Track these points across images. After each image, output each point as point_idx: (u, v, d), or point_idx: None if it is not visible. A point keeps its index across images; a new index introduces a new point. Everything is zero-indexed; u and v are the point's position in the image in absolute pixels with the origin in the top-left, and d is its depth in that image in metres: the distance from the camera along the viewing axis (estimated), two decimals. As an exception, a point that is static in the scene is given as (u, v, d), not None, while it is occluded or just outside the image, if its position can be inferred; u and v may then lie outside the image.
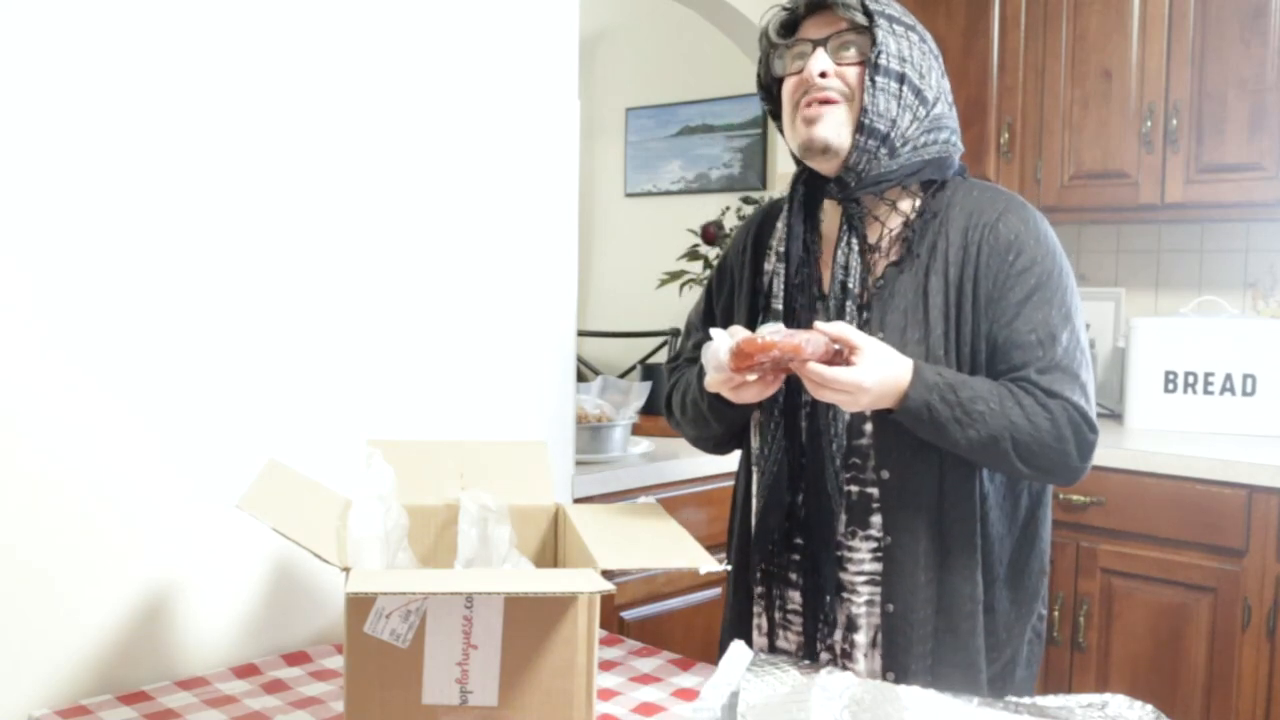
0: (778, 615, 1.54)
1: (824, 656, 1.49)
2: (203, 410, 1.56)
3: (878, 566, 1.45)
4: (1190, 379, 2.92)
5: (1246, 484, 2.50)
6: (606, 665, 1.56)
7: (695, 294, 3.30)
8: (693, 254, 3.28)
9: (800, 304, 1.48)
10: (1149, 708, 1.17)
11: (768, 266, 1.55)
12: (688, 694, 1.46)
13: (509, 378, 1.93)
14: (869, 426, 1.44)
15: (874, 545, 1.45)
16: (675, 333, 3.67)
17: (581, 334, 3.57)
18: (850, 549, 1.46)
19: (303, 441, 1.63)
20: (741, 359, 1.31)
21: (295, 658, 1.59)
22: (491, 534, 1.37)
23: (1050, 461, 1.39)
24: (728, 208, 3.56)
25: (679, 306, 3.70)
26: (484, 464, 1.47)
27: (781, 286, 1.49)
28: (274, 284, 1.62)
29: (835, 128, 1.43)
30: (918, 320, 1.43)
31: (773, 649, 1.54)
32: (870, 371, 1.33)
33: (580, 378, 2.55)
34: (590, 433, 2.47)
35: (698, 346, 1.63)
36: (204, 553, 1.57)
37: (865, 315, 1.44)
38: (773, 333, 1.32)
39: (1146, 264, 3.32)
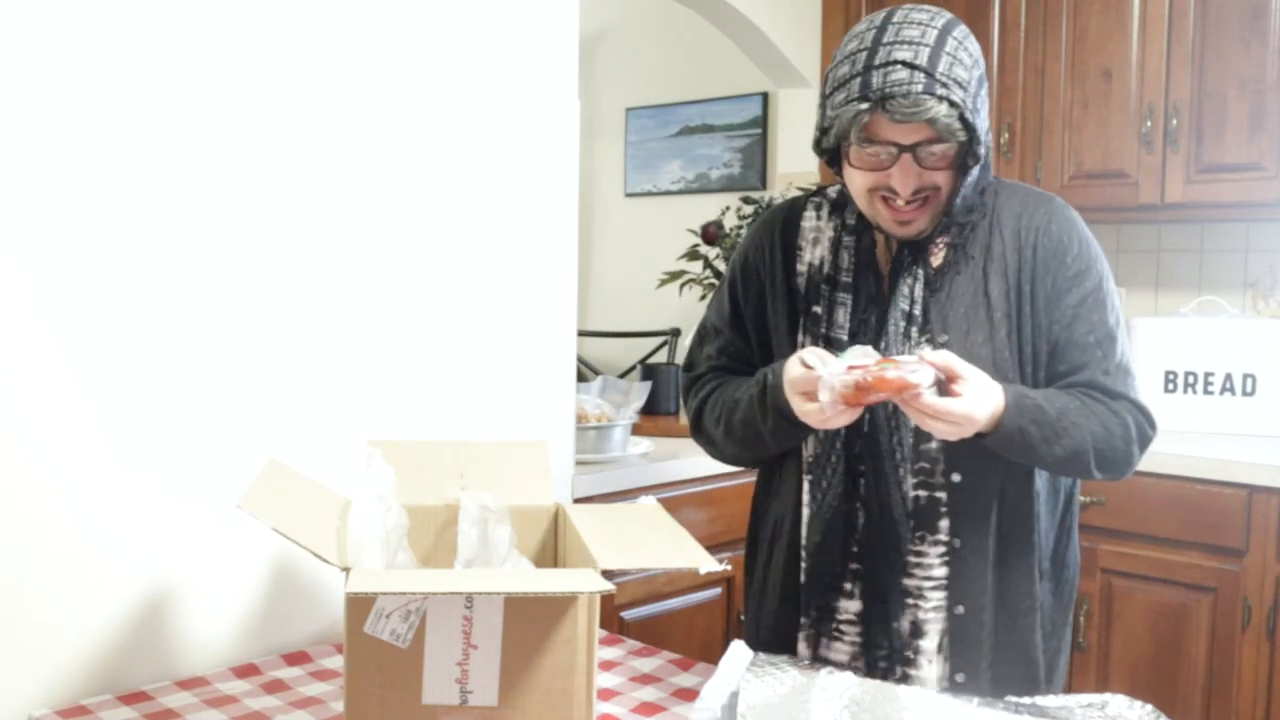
0: (830, 626, 1.49)
1: (882, 665, 1.46)
2: (203, 410, 1.56)
3: (946, 571, 1.43)
4: (1190, 379, 2.92)
5: (1246, 484, 2.50)
6: (606, 665, 1.56)
7: (695, 294, 3.29)
8: (693, 254, 3.28)
9: (864, 335, 1.46)
10: (1149, 708, 1.18)
11: (800, 268, 1.53)
12: (688, 694, 1.46)
13: (509, 378, 1.93)
14: None
15: (942, 550, 1.43)
16: (675, 333, 3.67)
17: (581, 334, 3.57)
18: (919, 554, 1.44)
19: (303, 441, 1.63)
20: (861, 394, 1.28)
21: (295, 658, 1.59)
22: (491, 534, 1.37)
23: (1118, 463, 1.43)
24: (728, 208, 3.56)
25: (679, 306, 3.71)
26: (484, 464, 1.47)
27: (847, 317, 1.47)
28: (274, 284, 1.62)
29: (926, 223, 1.42)
30: (980, 322, 1.43)
31: (819, 658, 1.49)
32: (980, 402, 1.32)
33: (580, 378, 2.55)
34: (590, 433, 2.47)
35: (723, 352, 1.60)
36: (204, 553, 1.57)
37: (926, 319, 1.43)
38: (863, 354, 1.31)
39: (1146, 264, 3.32)
